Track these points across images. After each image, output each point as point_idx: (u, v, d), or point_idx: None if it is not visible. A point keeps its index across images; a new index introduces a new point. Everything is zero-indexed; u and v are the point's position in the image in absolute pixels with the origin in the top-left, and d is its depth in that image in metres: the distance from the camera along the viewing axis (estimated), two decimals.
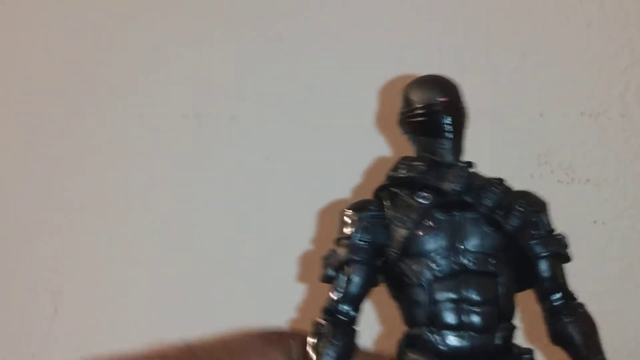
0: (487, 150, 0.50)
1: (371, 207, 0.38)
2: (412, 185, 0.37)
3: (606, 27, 0.49)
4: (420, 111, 0.37)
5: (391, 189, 0.38)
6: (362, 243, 0.37)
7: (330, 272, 0.37)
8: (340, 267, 0.37)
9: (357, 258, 0.37)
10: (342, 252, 0.37)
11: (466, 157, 0.53)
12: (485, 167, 0.51)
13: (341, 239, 0.38)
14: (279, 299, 0.52)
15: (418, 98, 0.37)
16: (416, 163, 0.37)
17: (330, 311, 0.37)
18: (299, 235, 0.52)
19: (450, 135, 0.37)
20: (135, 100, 0.55)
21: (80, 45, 0.56)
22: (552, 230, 0.38)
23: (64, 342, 0.55)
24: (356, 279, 0.37)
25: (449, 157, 0.37)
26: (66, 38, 0.56)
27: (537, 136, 0.49)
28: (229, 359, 0.36)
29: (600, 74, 0.49)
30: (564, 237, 0.38)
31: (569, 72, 0.49)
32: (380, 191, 0.38)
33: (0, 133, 0.57)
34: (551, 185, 0.50)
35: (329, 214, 0.52)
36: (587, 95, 0.49)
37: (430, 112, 0.37)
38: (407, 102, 0.38)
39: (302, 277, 0.52)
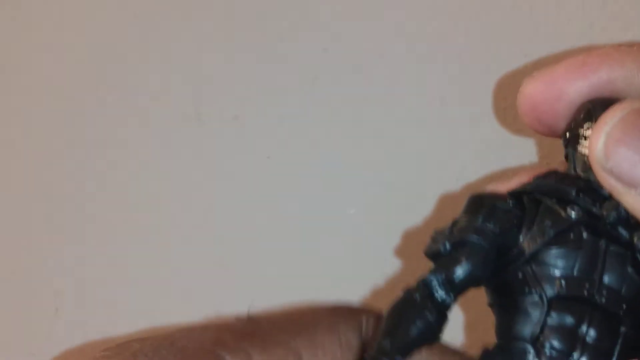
0: (488, 152, 0.49)
1: (509, 202, 0.32)
2: (559, 198, 0.32)
3: (608, 28, 0.48)
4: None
5: (534, 195, 0.33)
6: (489, 230, 0.31)
7: (441, 247, 0.31)
8: (453, 246, 0.31)
9: (478, 242, 0.31)
10: (462, 231, 0.31)
11: (466, 159, 0.53)
12: (487, 169, 0.51)
13: (465, 220, 0.32)
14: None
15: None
16: (572, 179, 0.32)
17: (427, 287, 0.31)
18: (300, 235, 0.52)
19: None
20: (136, 99, 0.55)
21: (80, 45, 0.56)
22: None
23: (65, 342, 0.55)
24: (467, 265, 0.31)
25: None
26: (65, 37, 0.56)
27: (538, 138, 0.49)
28: (295, 331, 0.31)
29: None
30: None
31: None
32: (519, 194, 0.33)
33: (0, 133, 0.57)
34: None
35: (329, 215, 0.52)
36: None
37: None
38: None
39: (301, 282, 0.52)
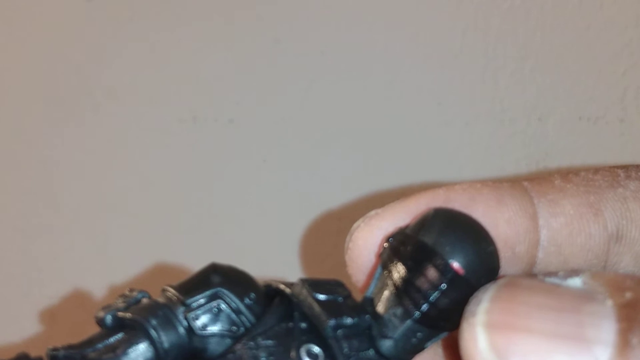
0: (485, 154, 0.49)
1: (252, 295, 0.24)
2: (313, 327, 0.24)
3: (605, 30, 0.48)
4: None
5: (292, 304, 0.24)
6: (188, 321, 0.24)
7: (106, 318, 0.23)
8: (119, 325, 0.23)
9: (154, 335, 0.23)
10: (143, 310, 0.23)
11: (464, 162, 0.53)
12: (483, 172, 0.51)
13: (174, 294, 0.23)
14: None
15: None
16: (357, 310, 0.24)
17: None
18: (296, 239, 0.52)
19: None
20: (132, 103, 0.55)
21: (76, 47, 0.55)
22: None
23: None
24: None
25: None
26: (62, 39, 0.56)
27: (535, 140, 0.49)
28: None
29: (599, 78, 0.49)
30: None
31: (568, 75, 0.49)
32: (275, 292, 0.25)
33: None
34: None
35: (326, 218, 0.52)
36: (586, 99, 0.49)
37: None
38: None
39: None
